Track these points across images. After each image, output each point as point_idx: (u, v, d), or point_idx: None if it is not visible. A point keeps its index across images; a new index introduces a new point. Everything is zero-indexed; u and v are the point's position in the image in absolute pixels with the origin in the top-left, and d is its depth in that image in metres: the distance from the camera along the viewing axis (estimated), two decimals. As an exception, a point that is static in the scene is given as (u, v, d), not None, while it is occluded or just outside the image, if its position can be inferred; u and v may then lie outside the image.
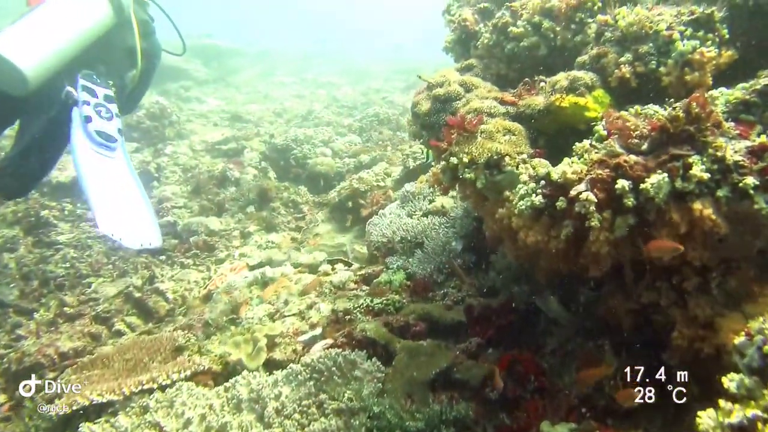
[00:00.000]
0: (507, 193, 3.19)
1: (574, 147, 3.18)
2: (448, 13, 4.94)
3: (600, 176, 2.74)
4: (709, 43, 3.21)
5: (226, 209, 8.42)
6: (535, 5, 3.96)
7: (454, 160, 3.31)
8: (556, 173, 2.91)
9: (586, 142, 3.10)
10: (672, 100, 3.12)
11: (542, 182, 2.99)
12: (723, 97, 2.88)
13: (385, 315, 4.39)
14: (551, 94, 3.48)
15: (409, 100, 13.91)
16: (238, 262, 6.70)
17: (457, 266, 4.82)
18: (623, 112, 3.08)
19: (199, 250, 7.54)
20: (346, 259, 6.52)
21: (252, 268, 6.49)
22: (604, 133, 3.12)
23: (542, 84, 3.58)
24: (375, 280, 5.07)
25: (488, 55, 4.25)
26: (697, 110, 2.62)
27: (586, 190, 2.74)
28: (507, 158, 3.20)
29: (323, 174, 8.93)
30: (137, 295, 6.52)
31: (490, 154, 3.20)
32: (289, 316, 5.16)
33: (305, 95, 16.95)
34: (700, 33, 3.22)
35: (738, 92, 2.84)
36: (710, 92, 2.93)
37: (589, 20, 3.77)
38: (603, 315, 3.46)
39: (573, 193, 2.76)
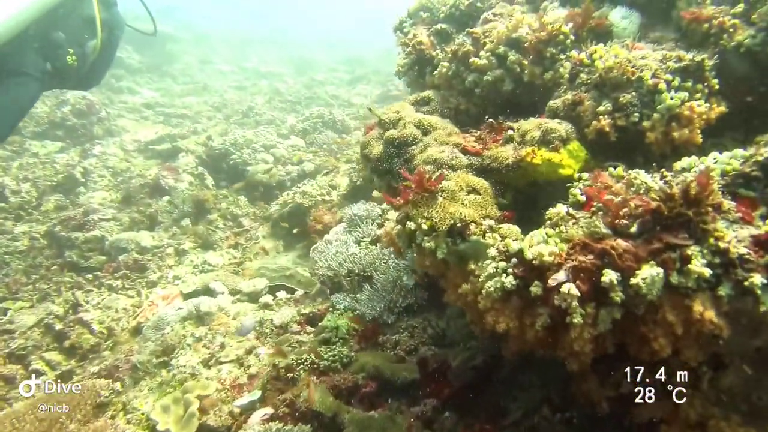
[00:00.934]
0: (472, 265, 2.72)
1: (547, 213, 2.74)
2: (400, 31, 4.40)
3: (583, 265, 2.30)
4: (699, 95, 2.81)
5: (159, 222, 7.64)
6: (500, 34, 3.47)
7: (411, 225, 2.81)
8: (530, 252, 2.45)
9: (561, 209, 2.67)
10: (656, 165, 2.73)
11: (513, 260, 2.53)
12: (718, 166, 2.49)
13: (332, 374, 3.88)
14: (521, 146, 3.02)
15: (355, 94, 13.28)
16: (171, 289, 6.01)
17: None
18: (604, 175, 2.65)
19: (129, 270, 6.78)
20: (289, 285, 5.96)
21: (186, 296, 5.82)
22: (582, 198, 2.69)
23: (510, 132, 3.10)
24: (320, 324, 4.54)
25: (447, 86, 3.75)
26: (696, 190, 2.21)
27: (567, 281, 2.30)
28: (472, 225, 2.72)
29: (264, 183, 8.24)
30: (59, 326, 5.76)
31: (452, 221, 2.71)
32: (225, 362, 4.58)
33: (246, 86, 15.99)
34: (689, 83, 2.82)
35: (736, 163, 2.45)
36: (702, 161, 2.53)
37: (561, 57, 3.31)
38: (574, 394, 3.08)
39: (552, 282, 2.31)
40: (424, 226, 2.74)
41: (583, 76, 3.11)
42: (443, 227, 2.71)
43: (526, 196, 3.13)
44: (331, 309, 4.76)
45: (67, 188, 8.58)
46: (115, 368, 4.94)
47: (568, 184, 2.82)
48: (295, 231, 7.02)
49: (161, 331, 5.22)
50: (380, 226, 5.68)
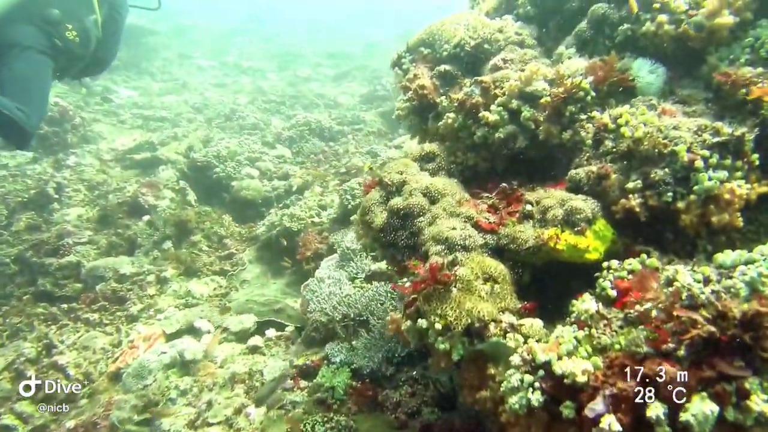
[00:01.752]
0: (492, 369, 2.42)
1: (574, 307, 2.45)
2: (398, 67, 4.04)
3: (624, 393, 2.01)
4: (739, 174, 2.52)
5: (139, 245, 7.22)
6: (512, 87, 3.13)
7: (423, 322, 2.49)
8: (560, 367, 2.16)
9: (590, 305, 2.38)
10: (694, 257, 2.45)
11: (540, 372, 2.24)
12: (766, 267, 2.20)
13: (330, 449, 3.59)
14: (541, 224, 2.71)
15: (341, 93, 12.85)
16: (152, 329, 5.64)
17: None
18: (643, 276, 2.35)
19: (108, 301, 6.39)
20: (279, 320, 5.64)
21: (170, 337, 5.47)
22: (613, 293, 2.41)
23: (528, 207, 2.79)
24: (315, 381, 4.24)
25: (453, 139, 3.42)
26: (754, 313, 1.92)
27: (605, 411, 2.01)
28: (491, 325, 2.41)
29: (249, 201, 7.85)
30: (30, 372, 5.38)
31: (470, 320, 2.41)
32: (214, 424, 4.26)
33: (227, 83, 15.41)
34: (728, 160, 2.52)
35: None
36: (750, 260, 2.25)
37: (582, 117, 3.00)
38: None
39: (589, 413, 2.03)
40: (438, 326, 2.43)
41: (608, 143, 2.81)
42: (459, 327, 2.40)
43: (547, 273, 2.83)
44: (326, 362, 4.44)
45: (40, 204, 8.07)
46: (92, 425, 4.59)
47: (596, 274, 2.54)
48: (281, 255, 6.66)
49: (143, 381, 4.87)
50: (375, 259, 5.36)
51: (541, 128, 3.07)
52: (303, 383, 4.43)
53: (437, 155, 3.38)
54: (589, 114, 2.96)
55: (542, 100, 3.04)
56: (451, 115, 3.35)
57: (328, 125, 10.00)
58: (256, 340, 5.27)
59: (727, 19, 2.84)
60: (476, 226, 2.80)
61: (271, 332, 5.47)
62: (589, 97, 3.00)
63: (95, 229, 7.56)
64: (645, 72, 3.04)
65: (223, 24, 24.38)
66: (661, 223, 2.69)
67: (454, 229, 2.74)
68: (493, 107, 3.17)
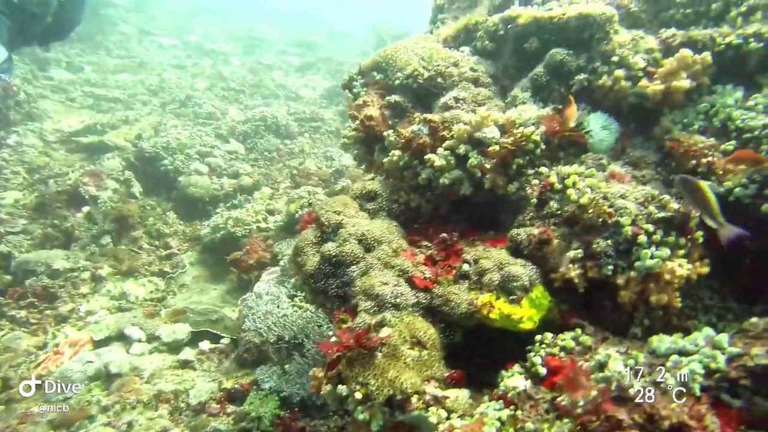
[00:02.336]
0: (412, 443, 2.26)
1: (501, 380, 2.32)
2: (349, 90, 3.81)
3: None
4: (681, 252, 2.41)
5: (76, 239, 6.78)
6: (461, 132, 2.95)
7: (343, 389, 2.31)
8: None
9: (518, 383, 2.25)
10: (630, 340, 2.34)
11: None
12: (701, 363, 2.09)
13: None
14: (477, 287, 2.55)
15: (303, 85, 12.43)
16: (80, 334, 5.28)
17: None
18: (575, 372, 2.22)
19: (37, 298, 5.96)
20: (215, 331, 5.38)
21: (98, 344, 5.13)
22: (543, 371, 2.28)
23: (465, 266, 2.63)
24: (242, 409, 4.02)
25: (397, 177, 3.23)
26: (681, 424, 1.81)
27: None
28: (414, 398, 2.25)
29: (197, 198, 7.50)
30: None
31: (392, 391, 2.23)
32: (132, 448, 4.00)
33: (187, 65, 14.76)
34: (671, 238, 2.41)
35: (721, 362, 2.07)
36: (684, 344, 2.14)
37: (529, 171, 2.85)
38: None
39: None
40: (358, 395, 2.24)
41: (553, 204, 2.67)
42: (380, 398, 2.23)
43: (481, 333, 2.69)
44: (255, 387, 4.22)
45: (-26, 187, 7.55)
46: (5, 440, 4.26)
47: (527, 347, 2.40)
48: (224, 258, 6.37)
49: (63, 393, 4.54)
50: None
51: (487, 177, 2.90)
52: (230, 408, 4.21)
53: (379, 195, 3.19)
54: (537, 169, 2.82)
55: (491, 149, 2.87)
56: (397, 152, 3.15)
57: (284, 122, 9.65)
58: (187, 354, 5.00)
59: (682, 83, 2.74)
60: (410, 281, 2.63)
61: (205, 345, 5.20)
62: (538, 150, 2.86)
63: (31, 217, 7.07)
64: (598, 127, 2.91)
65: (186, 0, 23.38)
66: (600, 291, 2.57)
67: (386, 284, 2.55)
68: (440, 150, 2.99)
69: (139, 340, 5.23)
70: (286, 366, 4.39)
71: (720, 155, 2.57)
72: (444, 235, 2.85)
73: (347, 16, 25.47)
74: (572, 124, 2.86)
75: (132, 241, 6.95)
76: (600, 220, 2.46)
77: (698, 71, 2.77)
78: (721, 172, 2.53)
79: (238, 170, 8.09)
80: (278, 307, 4.87)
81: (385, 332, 2.32)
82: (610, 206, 2.47)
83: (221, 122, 10.08)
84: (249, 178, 7.93)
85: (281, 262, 5.61)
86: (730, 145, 2.61)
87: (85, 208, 7.16)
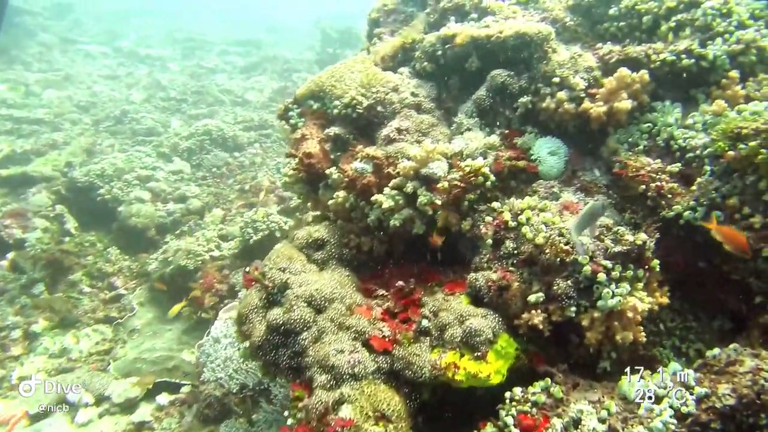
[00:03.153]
0: None
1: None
2: (285, 121, 3.70)
3: None
4: (640, 285, 2.43)
5: (2, 291, 6.45)
6: (406, 169, 2.89)
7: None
8: None
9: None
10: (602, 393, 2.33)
11: None
12: (670, 409, 2.11)
13: None
14: (439, 342, 2.51)
15: (250, 87, 12.12)
16: (11, 410, 4.97)
17: None
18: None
19: (-43, 367, 5.67)
20: (174, 380, 5.22)
21: (34, 418, 4.82)
22: None
23: (424, 322, 2.58)
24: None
25: (345, 218, 3.15)
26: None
27: None
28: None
29: (141, 229, 7.26)
30: None
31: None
32: None
33: (120, 75, 14.25)
34: (629, 272, 2.41)
35: (691, 404, 2.09)
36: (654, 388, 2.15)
37: (481, 207, 2.81)
38: None
39: None
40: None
41: (509, 244, 2.64)
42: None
43: (449, 387, 2.65)
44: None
45: None
46: None
47: (498, 406, 2.37)
48: (176, 293, 6.18)
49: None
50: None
51: (439, 214, 2.86)
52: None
53: (326, 242, 3.10)
54: (489, 205, 2.78)
55: (439, 186, 2.82)
56: (342, 193, 3.07)
57: (231, 133, 9.42)
58: (143, 413, 4.84)
59: (624, 104, 2.76)
60: (368, 344, 2.56)
61: (163, 398, 5.04)
62: (489, 182, 2.82)
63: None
64: (546, 153, 2.89)
65: (115, 1, 22.54)
66: (566, 325, 2.57)
67: (342, 352, 2.49)
68: (387, 190, 2.92)
69: (86, 405, 4.98)
70: (254, 416, 4.29)
71: (667, 177, 2.61)
72: (401, 283, 2.80)
73: (287, 9, 25.03)
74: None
75: (70, 286, 6.66)
76: (558, 259, 2.44)
77: (638, 90, 2.81)
78: (669, 196, 2.58)
79: (184, 193, 7.85)
80: (239, 350, 4.75)
81: (344, 412, 2.25)
82: (567, 243, 2.45)
83: (163, 138, 9.77)
84: (197, 201, 7.71)
85: (240, 295, 5.48)
86: (675, 167, 2.65)
87: (9, 255, 6.77)
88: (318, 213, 3.51)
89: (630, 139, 2.83)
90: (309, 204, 3.61)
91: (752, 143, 2.32)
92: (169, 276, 6.34)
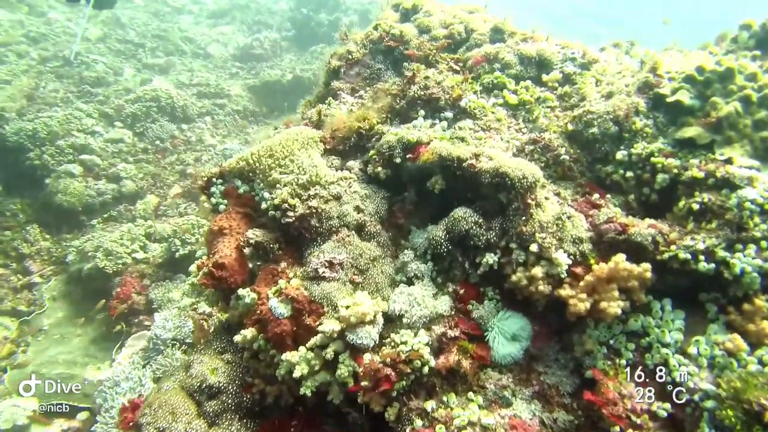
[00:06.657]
0: None
1: None
2: (207, 197, 2.87)
3: None
4: None
5: None
6: (331, 333, 2.16)
7: None
8: None
9: None
10: None
11: None
12: None
13: None
14: None
15: (215, 39, 10.70)
16: None
17: None
18: None
19: None
20: (71, 403, 4.49)
21: None
22: None
23: None
24: None
25: (252, 360, 2.43)
26: None
27: None
28: None
29: (66, 209, 6.29)
30: None
31: None
32: None
33: (80, 2, 12.44)
34: None
35: None
36: None
37: (412, 404, 2.13)
38: None
39: None
40: None
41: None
42: None
43: None
44: None
45: None
46: None
47: None
48: (91, 294, 5.38)
49: None
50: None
51: (361, 394, 2.16)
52: None
53: (223, 390, 2.37)
54: (420, 404, 2.10)
55: (367, 363, 2.11)
56: (251, 332, 2.33)
57: (182, 103, 8.27)
58: (29, 447, 4.12)
59: (613, 308, 2.06)
60: None
61: (56, 427, 4.32)
62: (426, 368, 2.13)
63: None
64: (507, 338, 2.21)
65: None
66: None
67: None
68: (302, 351, 2.19)
69: (-30, 424, 4.26)
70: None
71: (651, 425, 1.95)
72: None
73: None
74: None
75: (-21, 262, 5.73)
76: None
77: (634, 288, 2.09)
78: None
79: (119, 172, 6.81)
80: (140, 396, 4.04)
81: None
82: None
83: (111, 90, 8.51)
84: (132, 183, 6.72)
85: (155, 316, 4.72)
86: (663, 409, 1.98)
87: None
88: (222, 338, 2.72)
89: (612, 342, 2.15)
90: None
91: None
92: (86, 275, 5.48)
